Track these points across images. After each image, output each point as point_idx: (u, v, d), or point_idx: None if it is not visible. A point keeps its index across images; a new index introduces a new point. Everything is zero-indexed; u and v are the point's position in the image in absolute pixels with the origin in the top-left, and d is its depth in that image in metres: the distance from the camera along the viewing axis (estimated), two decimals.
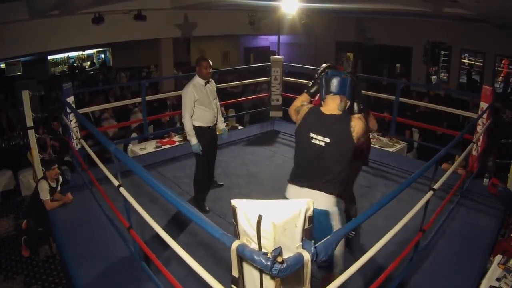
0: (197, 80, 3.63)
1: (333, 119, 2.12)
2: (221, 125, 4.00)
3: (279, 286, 1.34)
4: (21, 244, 4.46)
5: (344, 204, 2.35)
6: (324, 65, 2.42)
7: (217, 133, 3.99)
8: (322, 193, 2.10)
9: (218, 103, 3.92)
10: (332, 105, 2.16)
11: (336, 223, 2.14)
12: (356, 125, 2.09)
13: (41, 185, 3.69)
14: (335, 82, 2.15)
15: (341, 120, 2.12)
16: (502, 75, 9.40)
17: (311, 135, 2.14)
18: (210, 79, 3.73)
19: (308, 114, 2.22)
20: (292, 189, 2.22)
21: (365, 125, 2.16)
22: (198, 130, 3.64)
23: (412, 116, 6.53)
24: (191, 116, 3.59)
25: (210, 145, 3.79)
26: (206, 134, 3.69)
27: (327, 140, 2.09)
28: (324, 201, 2.11)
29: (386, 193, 2.04)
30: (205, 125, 3.68)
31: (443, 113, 6.24)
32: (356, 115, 2.20)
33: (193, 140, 3.61)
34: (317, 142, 2.11)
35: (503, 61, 9.25)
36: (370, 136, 3.31)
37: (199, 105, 3.60)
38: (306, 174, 2.17)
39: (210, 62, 3.63)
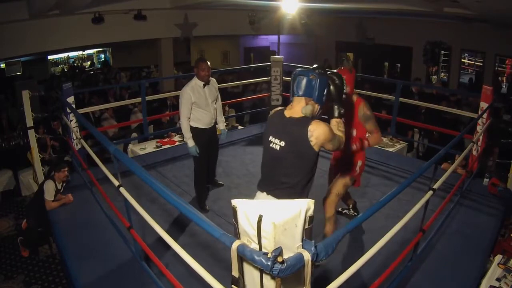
0: (196, 82, 3.56)
1: (292, 122, 1.97)
2: (222, 126, 3.96)
3: (280, 286, 1.34)
4: (19, 245, 4.46)
5: None
6: (314, 66, 2.17)
7: (217, 133, 3.96)
8: (275, 199, 2.00)
9: (219, 104, 3.88)
10: (296, 108, 2.00)
11: None
12: (316, 129, 1.89)
13: (47, 185, 3.69)
14: (300, 83, 1.98)
15: (299, 123, 1.94)
16: (506, 75, 9.38)
17: (270, 138, 2.04)
18: (211, 79, 3.68)
19: (272, 116, 2.13)
20: (257, 194, 2.19)
21: (329, 130, 1.93)
22: (195, 131, 3.60)
23: (418, 117, 6.52)
24: (188, 118, 3.56)
25: (208, 146, 3.75)
26: (203, 135, 3.65)
27: (282, 143, 1.97)
28: None
29: (386, 193, 2.03)
30: (202, 127, 3.63)
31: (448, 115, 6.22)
32: (318, 120, 1.96)
33: (190, 143, 3.57)
34: (274, 146, 2.01)
35: (506, 61, 9.23)
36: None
37: (196, 107, 3.55)
38: (264, 179, 2.16)
39: (209, 64, 3.56)
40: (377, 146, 5.72)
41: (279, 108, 2.15)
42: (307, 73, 1.98)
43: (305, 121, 1.94)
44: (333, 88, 2.05)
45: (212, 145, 3.85)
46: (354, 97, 2.87)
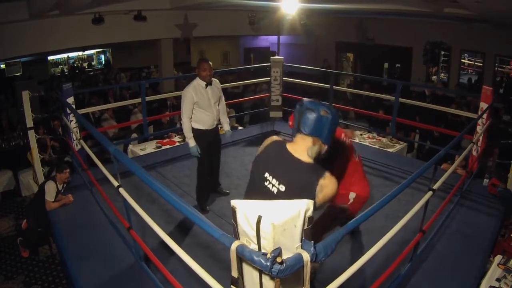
0: (198, 82, 3.52)
1: (299, 166, 1.65)
2: (226, 127, 3.91)
3: (279, 286, 1.34)
4: (18, 245, 4.46)
5: None
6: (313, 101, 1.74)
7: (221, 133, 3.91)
8: None
9: (223, 104, 3.83)
10: (300, 146, 1.68)
11: None
12: (327, 186, 1.61)
13: (48, 186, 3.69)
14: (308, 119, 1.64)
15: (308, 171, 1.64)
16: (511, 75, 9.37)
17: (266, 175, 1.70)
18: (214, 80, 3.64)
19: (270, 147, 1.77)
20: None
21: (337, 188, 1.65)
22: (197, 133, 3.57)
23: (425, 119, 6.51)
24: (190, 118, 3.53)
25: (210, 148, 3.71)
26: (204, 137, 3.61)
27: (282, 188, 1.64)
28: None
29: (386, 194, 2.03)
30: (204, 128, 3.60)
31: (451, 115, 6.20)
32: (330, 174, 1.64)
33: (191, 143, 3.55)
34: (270, 186, 1.67)
35: (510, 62, 9.21)
36: None
37: (198, 107, 3.52)
38: None
39: (211, 64, 3.51)
40: (377, 146, 5.73)
41: (277, 138, 1.82)
42: (318, 107, 1.65)
43: (316, 170, 1.64)
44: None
45: (214, 148, 3.80)
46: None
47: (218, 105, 3.71)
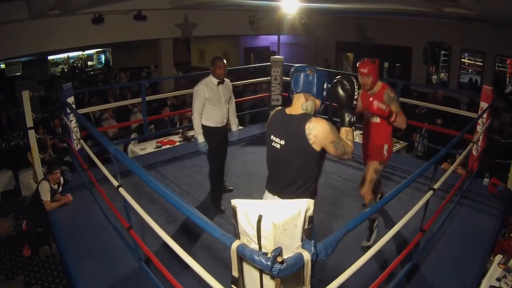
0: (210, 79, 3.59)
1: (291, 119, 1.91)
2: (234, 127, 3.95)
3: (279, 286, 1.34)
4: (23, 244, 4.47)
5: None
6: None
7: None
8: (279, 197, 1.96)
9: (233, 105, 3.88)
10: (296, 105, 1.95)
11: None
12: (315, 126, 1.81)
13: (42, 186, 3.69)
14: (298, 79, 1.92)
15: (298, 120, 1.87)
16: (508, 75, 9.36)
17: (272, 137, 1.98)
18: (225, 80, 3.70)
19: (273, 116, 2.06)
20: (265, 194, 2.11)
21: (330, 129, 1.83)
22: (206, 130, 3.61)
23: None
24: (200, 114, 3.58)
25: (219, 146, 3.74)
26: (214, 134, 3.65)
27: (282, 142, 1.91)
28: None
29: (386, 193, 2.03)
30: (213, 125, 3.64)
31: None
32: (319, 117, 1.87)
33: (200, 138, 3.59)
34: (275, 144, 1.95)
35: (508, 61, 9.21)
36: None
37: (209, 104, 3.56)
38: (271, 180, 2.08)
39: (225, 62, 3.60)
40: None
41: (280, 107, 2.09)
42: (304, 68, 1.94)
43: (304, 117, 1.87)
44: (343, 93, 1.95)
45: (221, 146, 3.83)
46: (379, 84, 3.00)
47: (228, 104, 3.76)
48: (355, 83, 1.98)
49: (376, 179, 3.07)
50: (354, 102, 1.98)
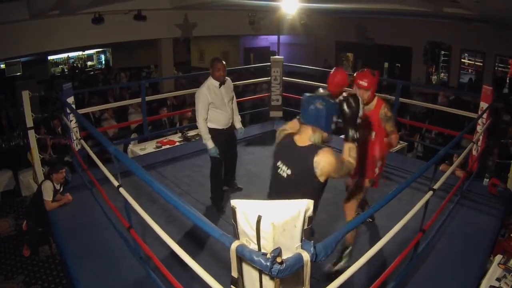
0: (211, 82, 3.52)
1: (299, 151, 1.97)
2: (238, 124, 3.92)
3: (279, 286, 1.34)
4: (23, 244, 4.47)
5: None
6: (321, 91, 2.04)
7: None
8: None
9: (235, 103, 3.86)
10: (303, 135, 1.99)
11: None
12: (321, 161, 1.89)
13: (45, 186, 3.69)
14: (307, 110, 1.94)
15: (306, 153, 1.94)
16: (508, 75, 9.37)
17: (278, 164, 2.07)
18: (226, 79, 3.65)
19: (281, 142, 2.12)
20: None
21: (335, 161, 1.91)
22: (213, 132, 3.55)
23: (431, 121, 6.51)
24: (205, 119, 3.51)
25: (226, 147, 3.72)
26: (220, 136, 3.61)
27: (289, 172, 1.99)
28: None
29: (386, 193, 2.03)
30: (219, 127, 3.60)
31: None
32: (325, 149, 1.93)
33: (210, 144, 3.52)
34: (281, 172, 2.04)
35: (510, 61, 9.21)
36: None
37: (213, 107, 3.51)
38: (272, 198, 2.10)
39: (224, 63, 3.52)
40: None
41: (288, 130, 2.13)
42: (314, 100, 1.93)
43: (312, 151, 1.93)
44: (348, 111, 2.00)
45: (230, 146, 3.83)
46: (375, 100, 2.84)
47: (232, 103, 3.73)
48: (360, 101, 2.04)
49: (361, 197, 2.96)
50: (358, 120, 2.04)
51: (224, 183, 3.95)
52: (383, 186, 4.20)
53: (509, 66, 9.22)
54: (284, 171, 2.01)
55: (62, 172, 3.82)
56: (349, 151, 2.00)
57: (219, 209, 3.71)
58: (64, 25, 7.55)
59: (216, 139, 3.56)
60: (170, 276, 2.24)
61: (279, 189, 2.07)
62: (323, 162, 1.89)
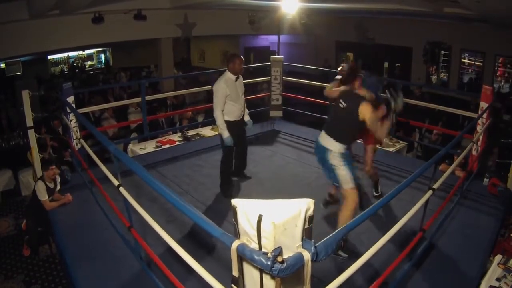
0: (228, 76, 3.76)
1: (357, 96, 3.03)
2: (246, 117, 4.14)
3: (279, 285, 1.34)
4: (23, 243, 4.46)
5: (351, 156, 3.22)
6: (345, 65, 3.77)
7: None
8: (331, 138, 3.02)
9: (243, 97, 4.06)
10: (361, 92, 3.07)
11: (334, 162, 3.00)
12: (363, 106, 2.92)
13: (38, 186, 3.69)
14: (368, 81, 3.14)
15: (359, 99, 2.99)
16: (498, 74, 9.40)
17: (340, 100, 3.11)
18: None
19: (343, 90, 3.24)
20: (321, 135, 3.16)
21: (371, 113, 2.89)
22: (227, 124, 3.76)
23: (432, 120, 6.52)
24: (223, 110, 3.73)
25: (239, 137, 3.95)
26: (233, 128, 3.84)
27: (345, 105, 3.04)
28: (330, 143, 3.02)
29: (386, 193, 2.03)
30: (233, 119, 3.84)
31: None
32: (368, 104, 2.94)
33: (226, 133, 3.74)
34: (340, 105, 3.07)
35: (500, 60, 9.24)
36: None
37: (229, 100, 3.75)
38: (329, 126, 3.15)
39: (243, 59, 3.83)
40: (377, 146, 5.72)
41: (339, 88, 3.37)
42: (371, 79, 3.20)
43: (362, 99, 2.97)
44: (400, 105, 3.26)
45: (241, 137, 4.06)
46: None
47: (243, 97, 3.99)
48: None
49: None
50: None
51: (233, 172, 4.16)
52: (383, 186, 4.21)
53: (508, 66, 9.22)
54: (343, 104, 3.05)
55: (52, 168, 3.80)
56: (383, 125, 3.03)
57: (227, 195, 3.86)
58: (64, 25, 7.53)
59: (230, 130, 3.78)
60: (170, 276, 2.24)
61: (336, 116, 3.13)
62: (363, 107, 2.90)
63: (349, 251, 3.01)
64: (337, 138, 2.98)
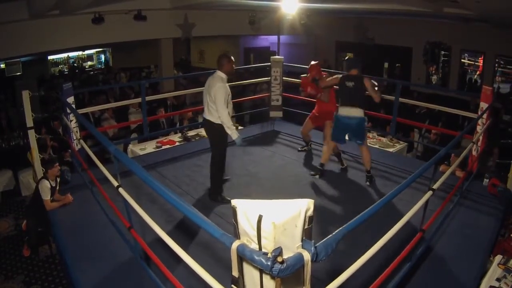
0: (224, 76, 3.69)
1: (356, 76, 4.11)
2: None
3: (279, 286, 1.34)
4: (23, 244, 4.46)
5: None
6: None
7: None
8: (357, 108, 4.05)
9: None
10: (354, 72, 4.14)
11: (363, 125, 4.10)
12: (365, 79, 4.05)
13: (42, 185, 3.69)
14: (355, 62, 4.48)
15: (359, 77, 4.08)
16: (479, 72, 9.50)
17: (346, 81, 4.13)
18: None
19: (344, 76, 4.21)
20: (340, 108, 4.15)
21: (370, 80, 4.07)
22: (221, 127, 3.67)
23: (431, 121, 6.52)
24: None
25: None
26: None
27: (352, 84, 4.08)
28: (359, 112, 4.04)
29: (386, 193, 2.03)
30: None
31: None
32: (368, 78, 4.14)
33: (236, 133, 3.69)
34: (348, 84, 4.11)
35: (480, 58, 9.37)
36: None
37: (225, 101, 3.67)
38: (344, 101, 4.12)
39: (233, 59, 3.79)
40: (377, 146, 5.73)
41: (337, 77, 4.30)
42: (352, 59, 4.48)
43: (361, 76, 4.11)
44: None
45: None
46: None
47: None
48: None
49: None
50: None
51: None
52: (383, 186, 4.21)
53: (508, 66, 9.21)
54: (349, 83, 4.09)
55: (57, 165, 3.82)
56: (377, 90, 4.08)
57: (224, 200, 3.81)
58: (64, 25, 7.54)
59: (225, 133, 3.71)
60: (170, 276, 2.24)
61: (348, 93, 4.09)
62: (366, 80, 4.04)
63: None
64: (361, 106, 4.04)
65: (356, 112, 4.01)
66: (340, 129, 4.14)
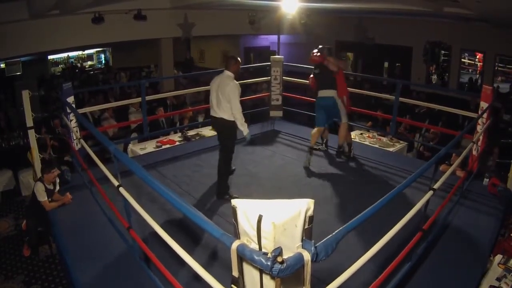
0: (233, 76, 3.77)
1: (323, 65, 4.53)
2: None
3: (279, 286, 1.34)
4: (23, 244, 4.46)
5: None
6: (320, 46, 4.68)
7: None
8: (329, 89, 4.55)
9: None
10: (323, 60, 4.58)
11: (338, 102, 4.56)
12: (327, 63, 4.48)
13: (37, 188, 3.68)
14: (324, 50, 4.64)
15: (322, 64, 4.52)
16: (479, 69, 9.47)
17: (315, 70, 4.65)
18: None
19: (316, 67, 4.67)
20: (318, 94, 4.64)
21: (331, 61, 4.51)
22: (233, 124, 3.76)
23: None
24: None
25: None
26: (235, 127, 3.87)
27: (318, 71, 4.61)
28: (331, 92, 4.53)
29: (386, 193, 2.04)
30: (233, 119, 3.83)
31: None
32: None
33: (247, 130, 3.83)
34: (316, 71, 4.63)
35: (478, 56, 9.35)
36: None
37: None
38: (319, 86, 4.62)
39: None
40: (377, 146, 5.73)
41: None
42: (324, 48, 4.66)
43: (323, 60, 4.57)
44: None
45: None
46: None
47: None
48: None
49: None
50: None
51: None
52: (383, 186, 4.21)
53: (509, 66, 9.20)
54: (316, 70, 4.64)
55: (54, 172, 3.79)
56: (339, 62, 4.67)
57: (231, 196, 3.84)
58: (64, 25, 7.54)
59: (235, 129, 3.83)
60: (170, 276, 2.24)
61: (320, 79, 4.60)
62: (327, 62, 4.48)
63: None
64: (332, 88, 4.53)
65: (328, 93, 4.52)
66: (320, 112, 4.64)
